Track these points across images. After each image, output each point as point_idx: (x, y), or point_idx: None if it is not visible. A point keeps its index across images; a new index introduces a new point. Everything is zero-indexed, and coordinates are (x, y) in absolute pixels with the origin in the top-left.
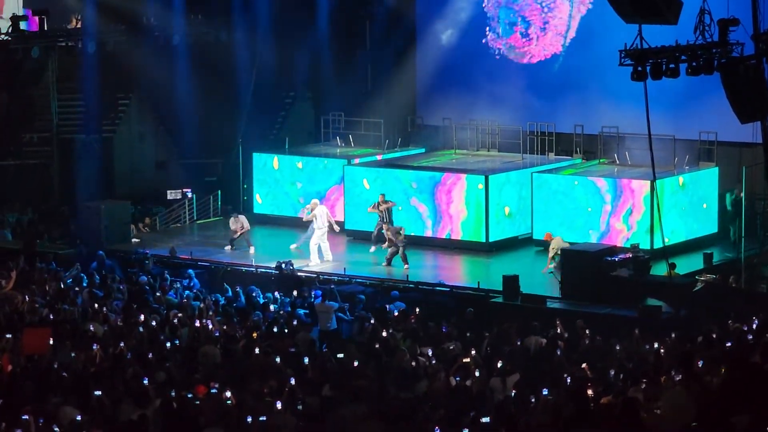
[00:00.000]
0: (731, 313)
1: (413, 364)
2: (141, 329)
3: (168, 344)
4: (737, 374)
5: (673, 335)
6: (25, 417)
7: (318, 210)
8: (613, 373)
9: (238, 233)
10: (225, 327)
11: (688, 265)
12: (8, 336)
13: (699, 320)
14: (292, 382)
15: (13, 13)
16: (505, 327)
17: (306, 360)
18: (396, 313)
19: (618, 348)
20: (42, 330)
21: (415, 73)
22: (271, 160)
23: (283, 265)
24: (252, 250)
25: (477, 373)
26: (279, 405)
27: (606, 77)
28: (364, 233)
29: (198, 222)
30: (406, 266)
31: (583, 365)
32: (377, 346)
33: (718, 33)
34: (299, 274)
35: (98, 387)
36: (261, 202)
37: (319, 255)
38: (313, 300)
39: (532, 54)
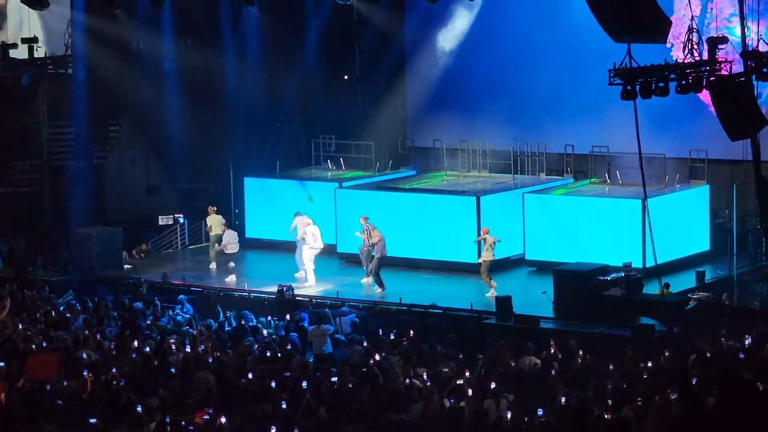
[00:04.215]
0: (724, 331)
1: (407, 383)
2: (134, 355)
3: (162, 370)
4: (731, 392)
5: (666, 353)
6: None
7: (310, 228)
8: (606, 392)
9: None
10: (218, 353)
11: (680, 283)
12: (1, 364)
13: (692, 338)
14: (284, 405)
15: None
16: (499, 346)
17: (303, 384)
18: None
19: (612, 367)
20: (49, 356)
21: (406, 96)
22: (262, 184)
23: (285, 290)
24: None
25: (470, 394)
26: (273, 430)
27: (596, 96)
28: (355, 256)
29: (190, 247)
30: (366, 278)
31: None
32: (371, 368)
33: (707, 51)
34: (297, 298)
35: (92, 413)
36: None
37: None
38: (301, 323)
39: None
